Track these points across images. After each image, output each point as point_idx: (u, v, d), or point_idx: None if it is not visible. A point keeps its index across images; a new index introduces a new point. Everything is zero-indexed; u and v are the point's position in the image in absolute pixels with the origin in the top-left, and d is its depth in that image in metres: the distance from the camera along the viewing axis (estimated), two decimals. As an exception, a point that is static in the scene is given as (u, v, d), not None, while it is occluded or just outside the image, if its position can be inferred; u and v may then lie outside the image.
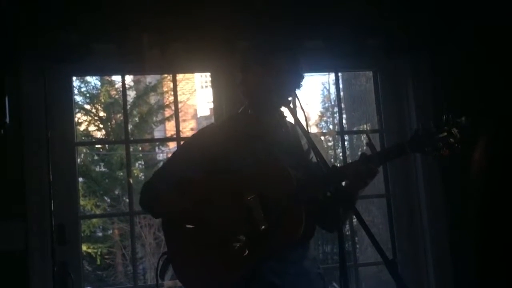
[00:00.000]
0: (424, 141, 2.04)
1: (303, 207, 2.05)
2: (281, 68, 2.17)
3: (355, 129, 10.03)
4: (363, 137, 10.27)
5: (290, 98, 2.18)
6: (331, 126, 14.87)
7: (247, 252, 2.05)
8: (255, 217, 2.05)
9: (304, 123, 2.07)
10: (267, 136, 2.26)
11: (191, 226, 2.17)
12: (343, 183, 2.11)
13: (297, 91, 2.22)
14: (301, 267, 2.19)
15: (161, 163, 13.29)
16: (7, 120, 2.80)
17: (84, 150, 12.83)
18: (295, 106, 2.20)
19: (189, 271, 2.16)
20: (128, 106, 11.27)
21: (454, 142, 2.02)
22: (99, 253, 12.52)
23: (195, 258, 2.15)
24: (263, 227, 2.05)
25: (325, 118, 15.95)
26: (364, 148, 2.18)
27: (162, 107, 14.26)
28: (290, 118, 2.22)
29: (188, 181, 2.22)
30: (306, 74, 2.26)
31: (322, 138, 2.46)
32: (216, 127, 2.47)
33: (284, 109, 2.22)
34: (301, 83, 2.24)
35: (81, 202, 11.08)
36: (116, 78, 13.37)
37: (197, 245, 2.14)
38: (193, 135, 2.48)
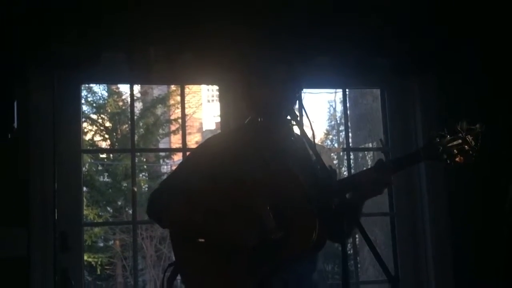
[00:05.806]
0: (438, 147, 2.02)
1: (315, 215, 2.02)
2: (277, 79, 2.15)
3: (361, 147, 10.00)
4: (368, 156, 10.25)
5: (296, 109, 2.17)
6: (336, 145, 14.87)
7: (258, 262, 2.03)
8: (267, 226, 2.02)
9: (310, 135, 2.06)
10: (277, 145, 2.24)
11: (202, 240, 2.13)
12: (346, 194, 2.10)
13: (302, 103, 2.21)
14: (311, 280, 2.15)
15: (166, 175, 13.38)
16: (15, 124, 2.80)
17: (89, 160, 12.84)
18: (301, 118, 2.20)
19: (199, 281, 2.13)
20: (135, 117, 11.28)
21: (469, 149, 2.00)
22: (99, 262, 12.48)
23: (205, 268, 2.11)
24: (276, 236, 2.01)
25: (330, 136, 15.98)
26: (369, 166, 2.19)
27: (168, 120, 14.28)
28: (296, 130, 2.20)
29: (198, 190, 2.18)
30: (313, 91, 2.27)
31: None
32: (225, 136, 2.46)
33: (290, 119, 2.19)
34: (299, 93, 2.22)
35: (84, 212, 11.06)
36: (123, 89, 13.48)
37: (207, 255, 2.10)
38: (201, 144, 2.46)
